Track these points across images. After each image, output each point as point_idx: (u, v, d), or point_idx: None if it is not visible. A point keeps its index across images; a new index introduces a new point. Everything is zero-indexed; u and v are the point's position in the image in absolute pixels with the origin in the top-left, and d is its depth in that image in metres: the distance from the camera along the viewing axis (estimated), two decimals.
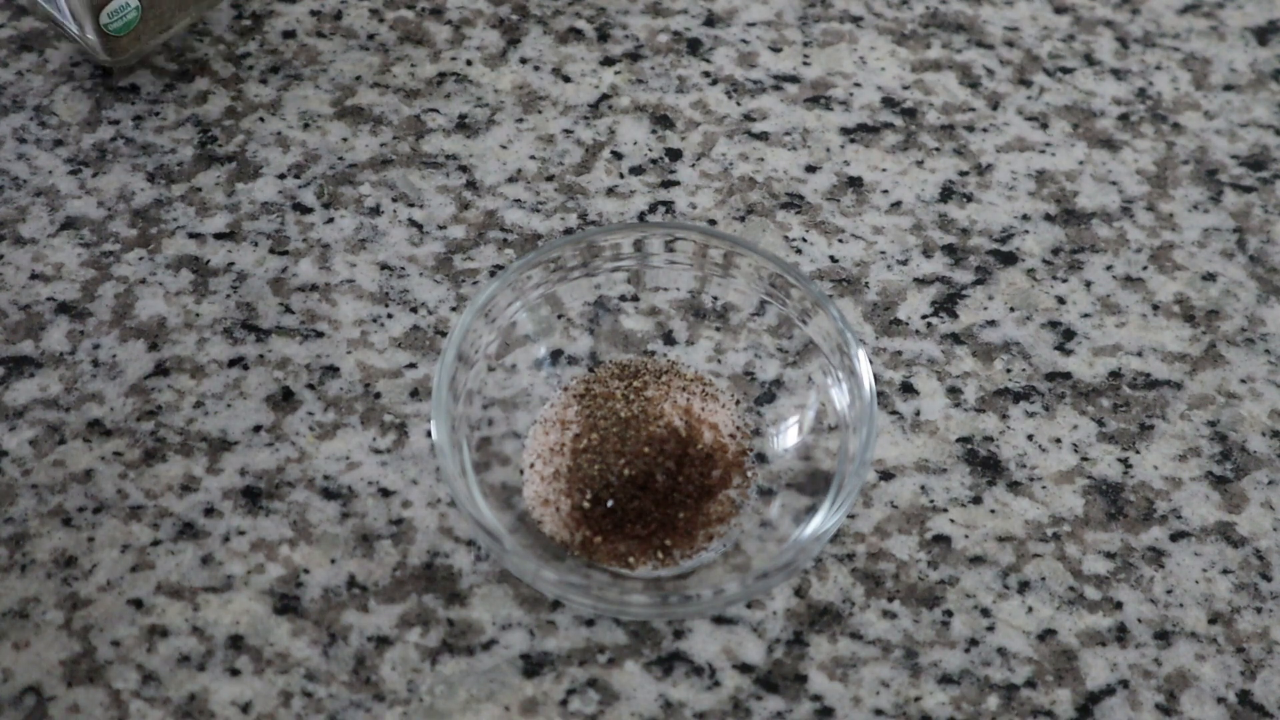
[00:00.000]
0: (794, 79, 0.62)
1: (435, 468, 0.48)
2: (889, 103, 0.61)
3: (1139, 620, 0.46)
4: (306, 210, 0.56)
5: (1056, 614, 0.46)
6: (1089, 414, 0.51)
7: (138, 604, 0.45)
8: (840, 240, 0.56)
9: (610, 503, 0.46)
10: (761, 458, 0.48)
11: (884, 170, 0.59)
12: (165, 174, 0.57)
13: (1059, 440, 0.50)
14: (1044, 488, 0.49)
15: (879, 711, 0.44)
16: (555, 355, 0.50)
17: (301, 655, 0.44)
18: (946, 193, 0.58)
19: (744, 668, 0.44)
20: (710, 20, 0.64)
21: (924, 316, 0.54)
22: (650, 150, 0.59)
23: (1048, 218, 0.57)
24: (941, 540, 0.47)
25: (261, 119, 0.58)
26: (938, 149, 0.60)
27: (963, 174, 0.59)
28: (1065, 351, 0.53)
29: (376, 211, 0.56)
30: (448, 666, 0.44)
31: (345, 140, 0.58)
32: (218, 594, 0.45)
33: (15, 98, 0.59)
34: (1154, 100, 0.62)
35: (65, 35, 0.61)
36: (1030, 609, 0.46)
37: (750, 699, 0.44)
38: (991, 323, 0.54)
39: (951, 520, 0.48)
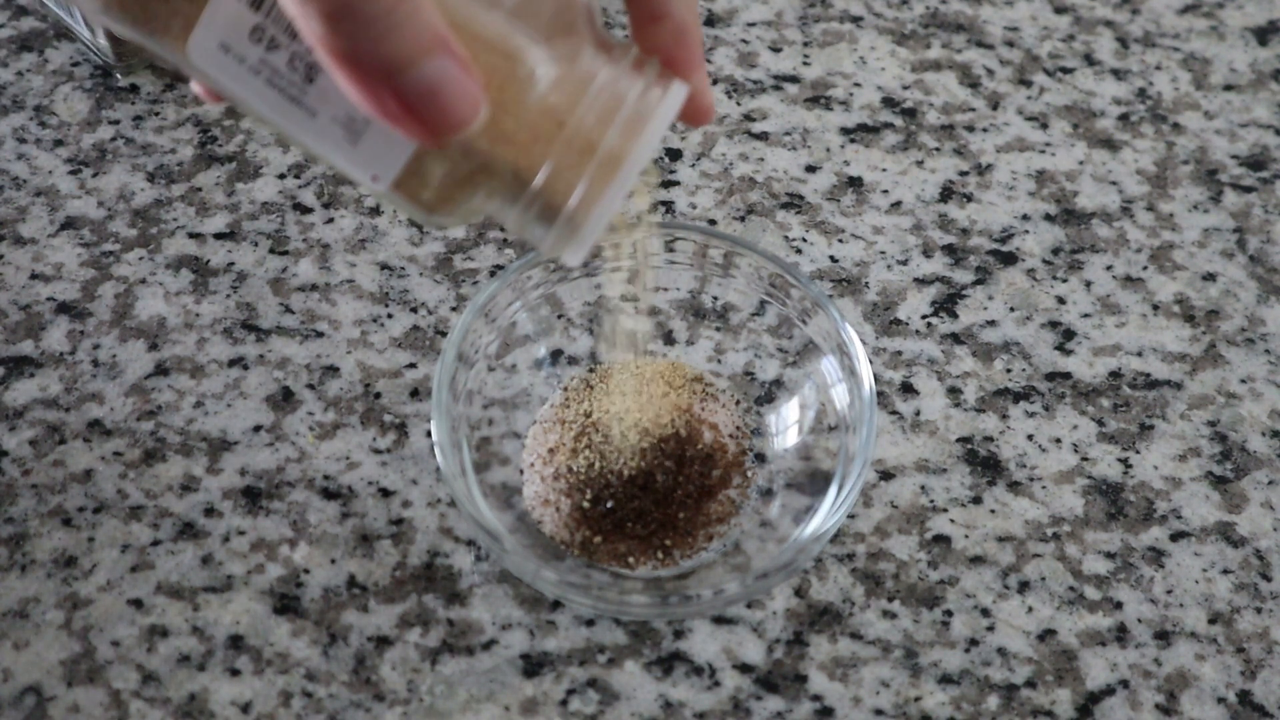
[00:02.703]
0: (794, 79, 0.62)
1: (435, 468, 0.48)
2: (889, 103, 0.61)
3: (1139, 620, 0.46)
4: (306, 210, 0.56)
5: (1056, 614, 0.46)
6: (1089, 414, 0.51)
7: (138, 604, 0.45)
8: (840, 240, 0.56)
9: (610, 503, 0.46)
10: (761, 458, 0.48)
11: (884, 170, 0.59)
12: (165, 174, 0.57)
13: (1059, 440, 0.50)
14: (1044, 488, 0.49)
15: (879, 711, 0.44)
16: (555, 355, 0.50)
17: (301, 655, 0.44)
18: (946, 193, 0.58)
19: (744, 668, 0.44)
20: (710, 20, 0.64)
21: (924, 316, 0.54)
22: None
23: (1048, 218, 0.57)
24: (941, 540, 0.47)
25: None
26: (938, 149, 0.60)
27: (963, 174, 0.59)
28: (1065, 351, 0.53)
29: (376, 211, 0.56)
30: (448, 666, 0.44)
31: None
32: (218, 594, 0.45)
33: (15, 98, 0.59)
34: (1154, 100, 0.62)
35: (71, 37, 0.61)
36: (1030, 609, 0.46)
37: (750, 699, 0.44)
38: (991, 323, 0.54)
39: (951, 520, 0.48)
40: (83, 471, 0.48)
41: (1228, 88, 0.63)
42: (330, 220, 0.55)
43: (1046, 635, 0.45)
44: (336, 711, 0.43)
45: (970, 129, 0.61)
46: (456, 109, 0.31)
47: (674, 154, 0.58)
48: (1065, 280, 0.55)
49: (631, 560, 0.45)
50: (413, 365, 0.51)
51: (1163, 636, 0.46)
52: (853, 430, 0.45)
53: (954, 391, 0.51)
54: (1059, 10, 0.66)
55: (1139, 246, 0.57)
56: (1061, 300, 0.55)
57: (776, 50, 0.63)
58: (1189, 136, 0.61)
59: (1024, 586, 0.46)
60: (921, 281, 0.55)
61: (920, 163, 0.59)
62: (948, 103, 0.62)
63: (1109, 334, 0.54)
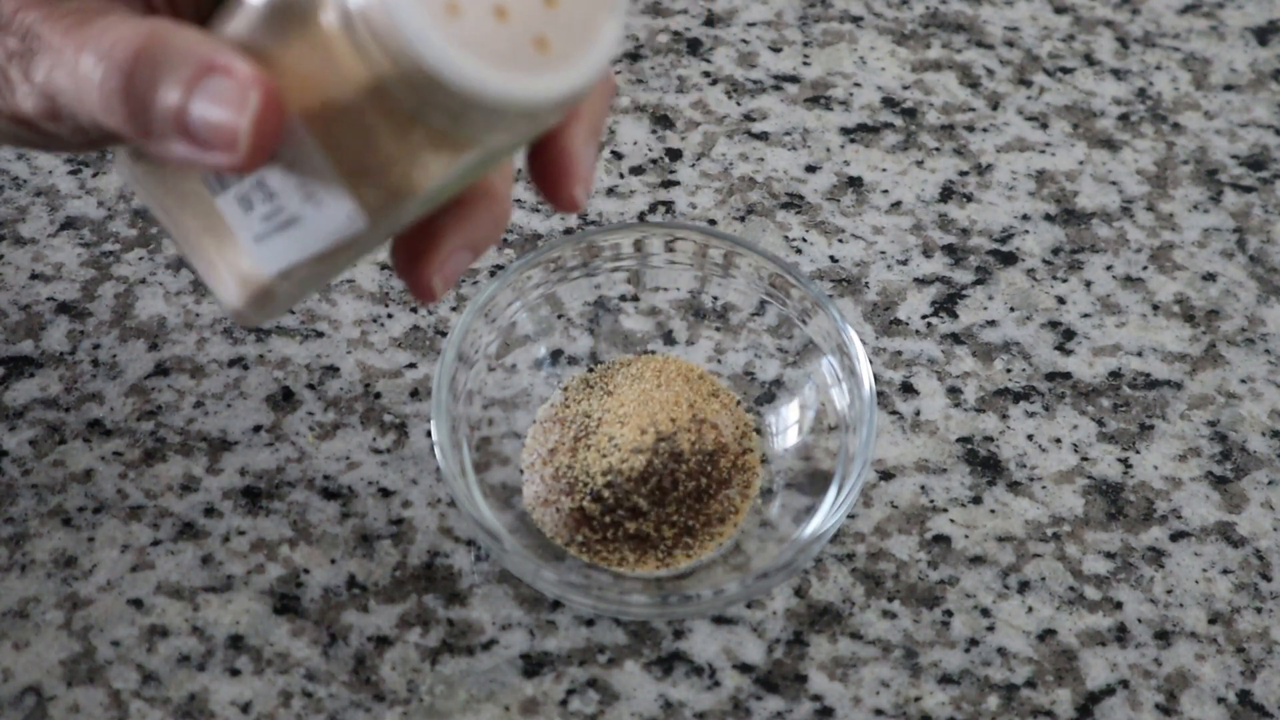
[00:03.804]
0: (794, 79, 0.62)
1: (435, 468, 0.48)
2: (889, 103, 0.61)
3: (1139, 620, 0.46)
4: None
5: (1056, 614, 0.46)
6: (1089, 414, 0.51)
7: (138, 604, 0.45)
8: (840, 240, 0.56)
9: (610, 503, 0.46)
10: (761, 458, 0.48)
11: (884, 170, 0.59)
12: None
13: (1059, 440, 0.50)
14: (1044, 488, 0.49)
15: (879, 711, 0.44)
16: (555, 355, 0.50)
17: (301, 655, 0.44)
18: (946, 193, 0.58)
19: (744, 668, 0.44)
20: (710, 20, 0.64)
21: (924, 316, 0.54)
22: (650, 150, 0.59)
23: (1048, 218, 0.57)
24: (941, 540, 0.47)
25: None
26: (938, 149, 0.60)
27: (963, 174, 0.59)
28: (1065, 351, 0.53)
29: None
30: (448, 666, 0.44)
31: None
32: (218, 594, 0.45)
33: None
34: (1154, 100, 0.62)
35: None
36: (1030, 609, 0.46)
37: (750, 699, 0.44)
38: (991, 323, 0.54)
39: (951, 520, 0.48)
40: (83, 471, 0.48)
41: (1228, 88, 0.63)
42: None
43: (1046, 635, 0.45)
44: (336, 711, 0.43)
45: (970, 129, 0.61)
46: (234, 97, 0.29)
47: (674, 154, 0.58)
48: (1065, 280, 0.55)
49: (631, 560, 0.45)
50: (413, 365, 0.51)
51: (1163, 636, 0.46)
52: (853, 430, 0.45)
53: (954, 391, 0.51)
54: (1059, 10, 0.66)
55: (1139, 246, 0.57)
56: (1061, 300, 0.55)
57: (776, 50, 0.63)
58: (1189, 136, 0.61)
59: (1024, 586, 0.46)
60: (921, 281, 0.55)
61: (920, 163, 0.59)
62: (948, 103, 0.62)
63: (1109, 334, 0.54)
